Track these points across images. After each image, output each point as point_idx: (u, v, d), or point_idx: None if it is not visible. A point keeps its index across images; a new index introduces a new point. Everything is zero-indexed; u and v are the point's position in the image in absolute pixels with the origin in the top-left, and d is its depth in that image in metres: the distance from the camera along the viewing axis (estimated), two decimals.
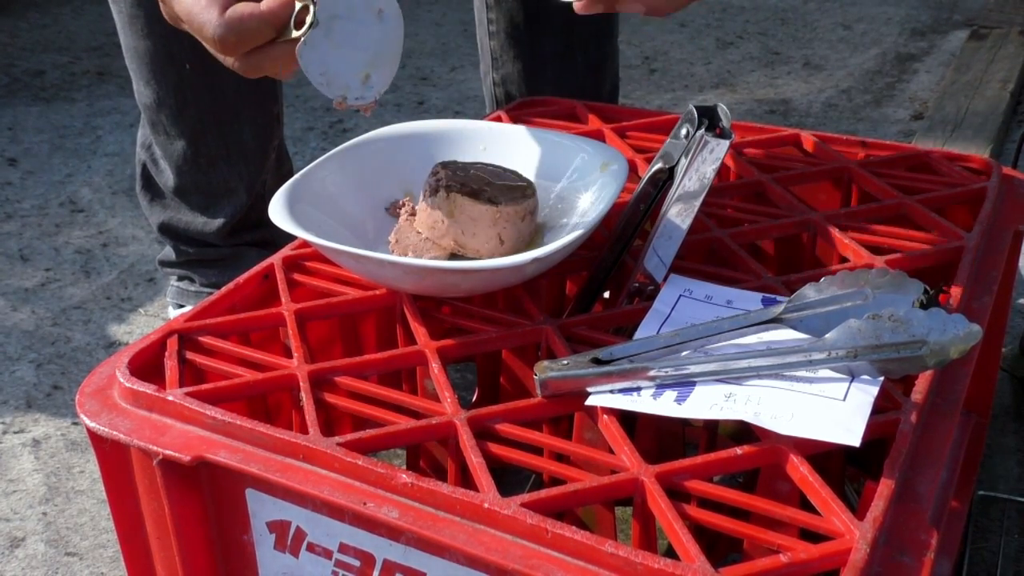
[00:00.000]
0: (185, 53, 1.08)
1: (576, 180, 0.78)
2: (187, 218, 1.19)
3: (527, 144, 0.82)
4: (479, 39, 1.26)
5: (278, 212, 0.71)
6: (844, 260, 0.77)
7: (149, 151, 1.18)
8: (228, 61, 0.66)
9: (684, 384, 0.60)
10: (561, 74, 1.22)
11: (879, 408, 0.57)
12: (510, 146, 0.82)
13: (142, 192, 1.22)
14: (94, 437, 0.63)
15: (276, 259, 0.78)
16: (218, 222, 1.18)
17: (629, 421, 0.60)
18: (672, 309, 0.68)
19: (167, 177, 1.17)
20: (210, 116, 1.12)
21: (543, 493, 0.54)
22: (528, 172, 0.79)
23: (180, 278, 1.26)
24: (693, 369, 0.60)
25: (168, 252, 1.24)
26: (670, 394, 0.59)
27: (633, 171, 0.91)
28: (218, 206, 1.17)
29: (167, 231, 1.21)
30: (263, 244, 1.20)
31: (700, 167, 0.68)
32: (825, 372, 0.59)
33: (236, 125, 1.14)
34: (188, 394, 0.63)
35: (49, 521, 0.99)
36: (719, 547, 0.70)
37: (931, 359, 0.57)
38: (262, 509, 0.60)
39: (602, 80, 1.25)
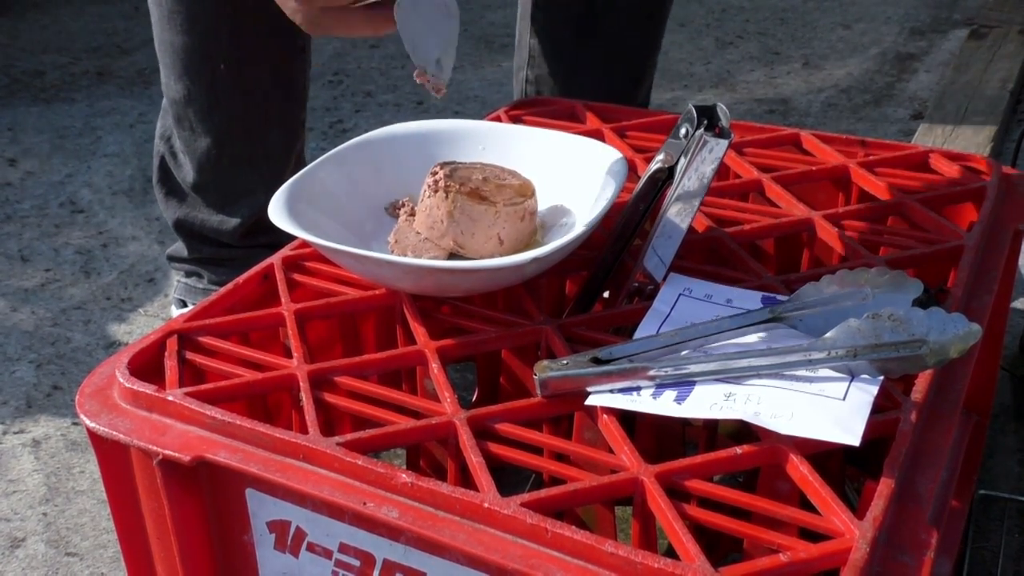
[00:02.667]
0: (221, 53, 1.08)
1: (576, 180, 0.78)
2: (203, 216, 1.19)
3: (526, 144, 0.82)
4: (518, 32, 1.24)
5: (277, 212, 0.71)
6: (844, 259, 0.77)
7: (169, 143, 1.18)
8: (297, 16, 0.67)
9: (684, 384, 0.60)
10: (599, 83, 1.20)
11: (879, 407, 0.57)
12: (509, 146, 0.82)
13: (158, 185, 1.22)
14: (94, 437, 0.63)
15: (276, 259, 0.78)
16: (234, 222, 1.18)
17: (629, 421, 0.60)
18: (672, 308, 0.68)
19: (187, 172, 1.17)
20: (239, 117, 1.13)
21: (543, 493, 0.54)
22: (527, 172, 0.79)
23: (188, 274, 1.26)
24: (693, 369, 0.60)
25: (179, 248, 1.24)
26: (670, 394, 0.59)
27: (633, 171, 0.91)
28: (236, 206, 1.17)
29: (182, 228, 1.21)
30: (277, 247, 1.20)
31: (700, 167, 0.68)
32: (825, 371, 0.59)
33: (263, 128, 1.14)
34: (188, 394, 0.63)
35: (49, 521, 0.99)
36: (719, 547, 0.70)
37: (931, 358, 0.57)
38: (262, 509, 0.60)
39: (638, 92, 1.24)
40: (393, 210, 0.80)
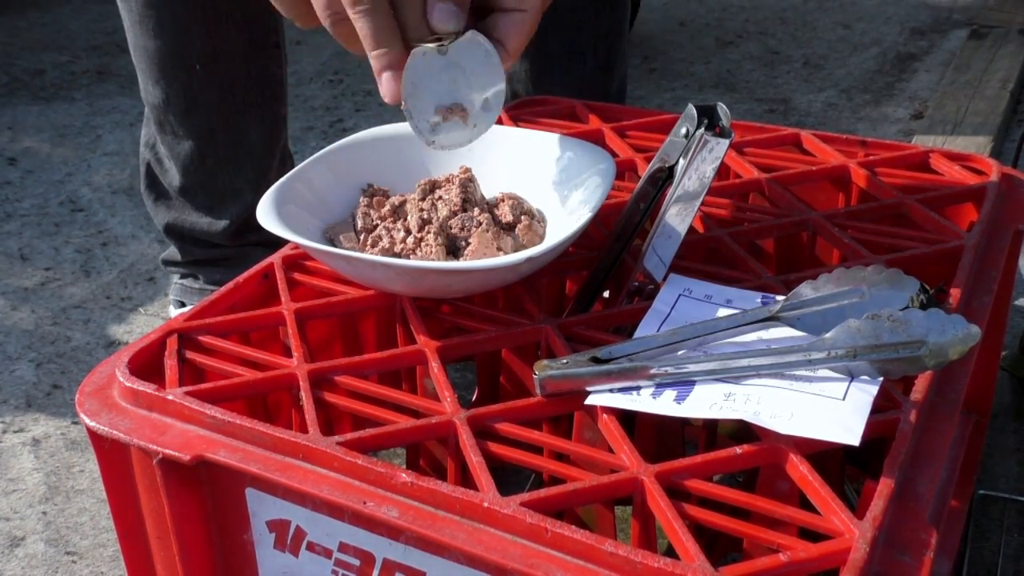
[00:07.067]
0: (196, 54, 1.08)
1: (565, 180, 0.78)
2: (192, 218, 1.19)
3: (514, 145, 0.82)
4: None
5: (266, 215, 0.70)
6: (844, 260, 0.77)
7: (153, 150, 1.18)
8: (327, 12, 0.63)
9: (684, 383, 0.60)
10: (569, 74, 1.21)
11: (879, 407, 0.57)
12: (497, 147, 0.82)
13: (146, 192, 1.22)
14: (94, 436, 0.63)
15: (276, 258, 0.78)
16: (223, 223, 1.18)
17: (629, 420, 0.60)
18: (672, 308, 0.68)
19: (172, 177, 1.17)
20: (219, 117, 1.13)
21: (543, 492, 0.54)
22: (517, 173, 0.79)
23: (183, 276, 1.26)
24: (692, 368, 0.60)
25: (173, 252, 1.24)
26: (670, 393, 0.59)
27: (633, 170, 0.91)
28: (224, 207, 1.18)
29: (172, 232, 1.21)
30: (269, 244, 1.20)
31: (700, 166, 0.68)
32: (825, 372, 0.59)
33: (244, 126, 1.14)
34: (188, 393, 0.63)
35: (49, 520, 0.99)
36: (719, 546, 0.70)
37: (930, 360, 0.57)
38: (262, 508, 0.60)
39: (610, 80, 1.24)
40: (371, 193, 0.79)
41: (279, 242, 0.81)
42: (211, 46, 1.08)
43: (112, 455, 0.63)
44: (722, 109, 0.68)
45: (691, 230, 0.72)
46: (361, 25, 0.62)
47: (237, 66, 1.11)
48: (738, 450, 0.56)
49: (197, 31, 1.08)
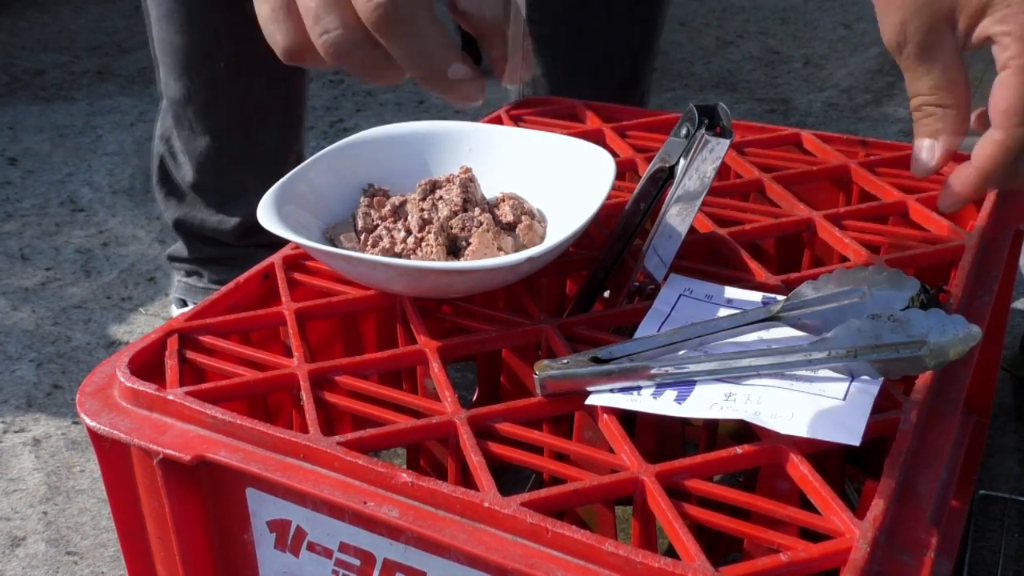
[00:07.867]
0: (220, 52, 1.09)
1: (565, 180, 0.78)
2: (202, 215, 1.19)
3: (514, 145, 0.82)
4: None
5: (266, 214, 0.70)
6: (844, 259, 0.77)
7: (168, 144, 1.19)
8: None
9: (684, 383, 0.60)
10: (594, 86, 1.21)
11: (879, 407, 0.57)
12: (497, 147, 0.82)
13: (158, 186, 1.22)
14: (94, 436, 0.63)
15: (276, 258, 0.78)
16: (233, 221, 1.18)
17: (629, 420, 0.60)
18: (672, 309, 0.69)
19: (185, 172, 1.17)
20: (237, 116, 1.13)
21: (543, 492, 0.54)
22: (516, 173, 0.79)
23: (188, 273, 1.26)
24: (693, 368, 0.60)
25: (179, 248, 1.24)
26: (670, 393, 0.59)
27: (633, 170, 0.91)
28: (234, 206, 1.18)
29: (181, 227, 1.21)
30: (274, 245, 1.20)
31: (700, 166, 0.68)
32: (825, 371, 0.59)
33: (261, 127, 1.15)
34: (188, 393, 0.63)
35: (50, 520, 0.99)
36: (719, 546, 0.70)
37: (930, 360, 0.57)
38: (262, 508, 0.60)
39: (633, 94, 1.24)
40: (372, 193, 0.79)
41: (285, 244, 0.81)
42: (234, 45, 1.09)
43: (112, 455, 0.64)
44: (723, 109, 0.68)
45: (692, 230, 0.72)
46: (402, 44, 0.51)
47: (259, 67, 1.11)
48: (738, 450, 0.56)
49: (223, 30, 1.08)
